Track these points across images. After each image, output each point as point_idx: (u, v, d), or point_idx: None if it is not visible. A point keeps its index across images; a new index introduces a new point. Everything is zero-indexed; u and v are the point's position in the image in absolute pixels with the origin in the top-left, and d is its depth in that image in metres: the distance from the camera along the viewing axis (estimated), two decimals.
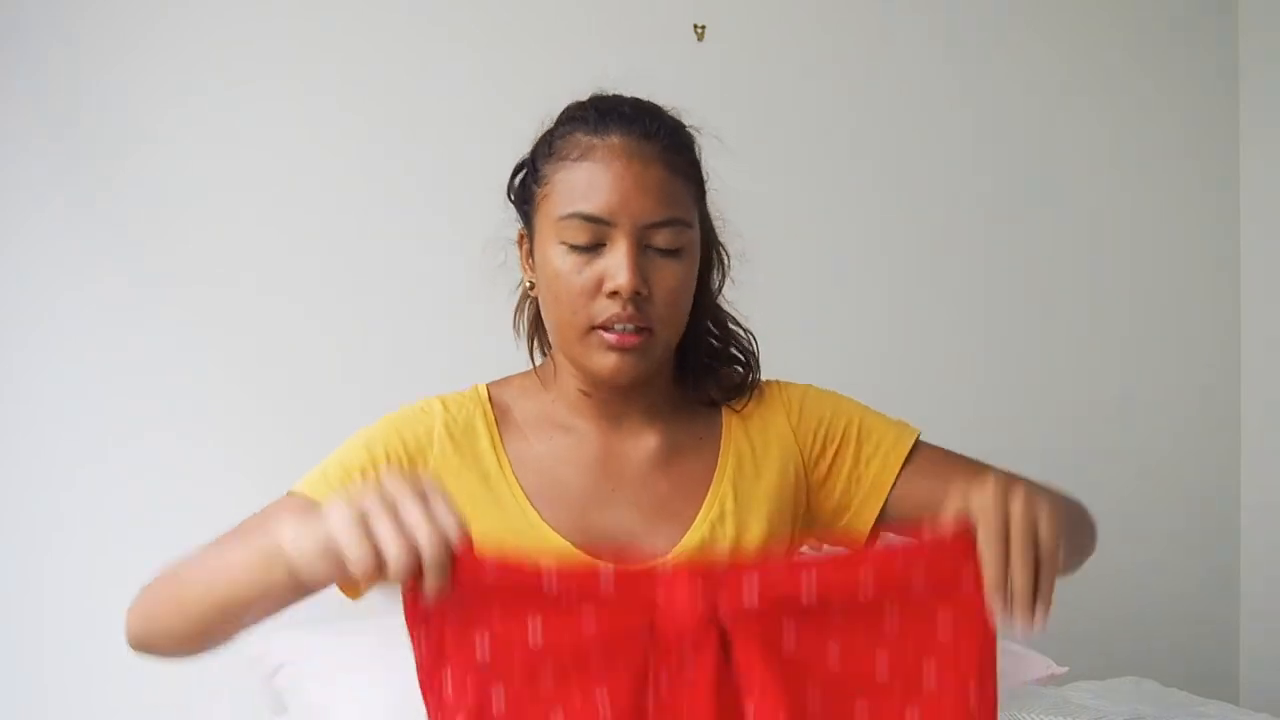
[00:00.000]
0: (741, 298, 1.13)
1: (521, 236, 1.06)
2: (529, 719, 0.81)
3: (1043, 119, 2.44)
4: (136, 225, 1.80)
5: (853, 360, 2.23)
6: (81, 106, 1.77)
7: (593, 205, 0.96)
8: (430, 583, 0.76)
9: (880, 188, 2.29)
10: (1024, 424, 2.38)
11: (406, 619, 0.80)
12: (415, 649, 0.81)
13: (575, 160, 0.98)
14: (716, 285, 1.10)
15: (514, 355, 1.10)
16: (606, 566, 0.82)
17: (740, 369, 1.11)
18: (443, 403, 1.06)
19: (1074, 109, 2.46)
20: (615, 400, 1.04)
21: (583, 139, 0.99)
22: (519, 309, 1.11)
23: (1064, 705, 1.68)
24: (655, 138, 0.99)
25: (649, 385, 1.05)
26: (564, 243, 0.97)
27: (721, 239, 1.10)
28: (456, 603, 0.80)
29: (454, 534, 0.76)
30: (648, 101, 1.03)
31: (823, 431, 1.09)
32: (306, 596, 0.83)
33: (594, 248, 0.97)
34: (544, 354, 1.10)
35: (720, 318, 1.11)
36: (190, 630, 0.89)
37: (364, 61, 1.93)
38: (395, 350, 1.91)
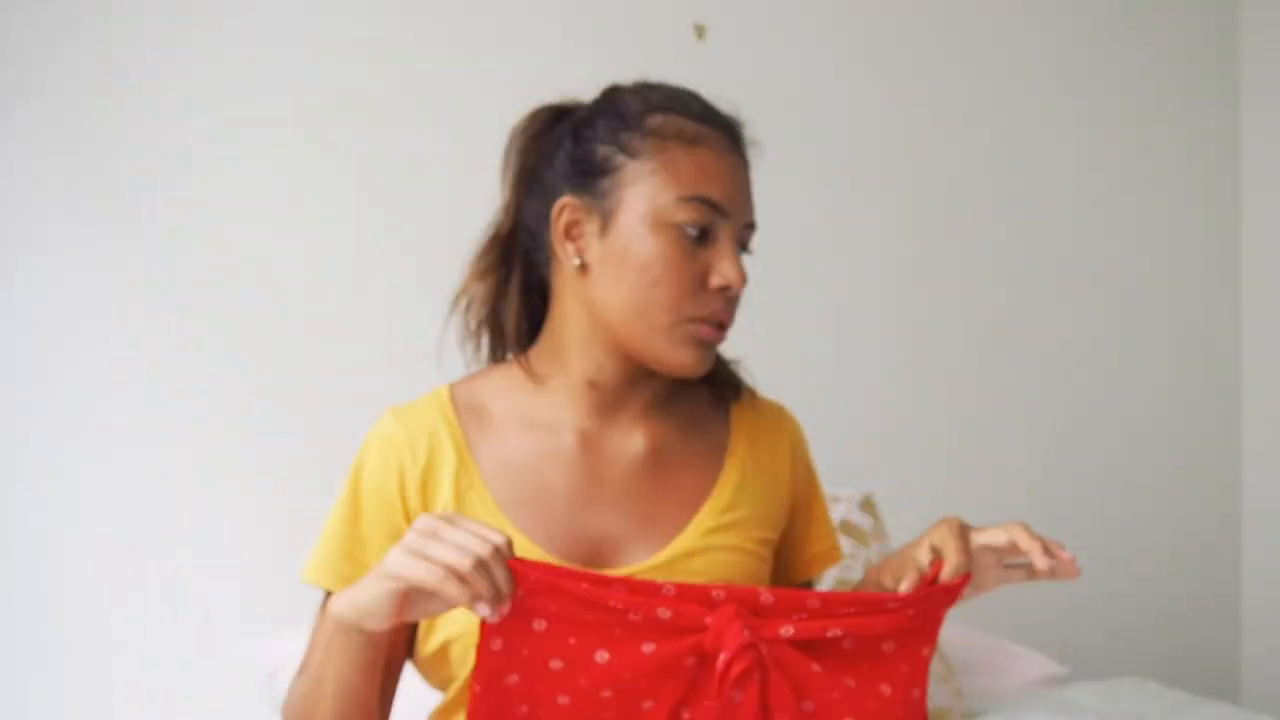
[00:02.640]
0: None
1: (563, 208, 0.97)
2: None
3: (1044, 119, 2.43)
4: (136, 225, 1.80)
5: (850, 363, 2.23)
6: (81, 107, 1.77)
7: (718, 192, 0.95)
8: (495, 578, 0.79)
9: (879, 189, 2.28)
10: (1025, 424, 2.38)
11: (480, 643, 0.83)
12: (481, 663, 0.84)
13: (690, 143, 0.95)
14: None
15: None
16: (668, 585, 0.84)
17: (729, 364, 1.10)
18: (396, 418, 1.00)
19: (1075, 110, 2.45)
20: (620, 393, 1.01)
21: (690, 125, 0.96)
22: (465, 307, 1.05)
23: (1065, 706, 1.67)
24: (741, 139, 1.01)
25: (654, 378, 1.02)
26: (679, 225, 0.93)
27: None
28: (520, 619, 0.83)
29: (499, 539, 0.80)
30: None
31: (802, 488, 1.10)
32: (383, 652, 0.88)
33: (702, 237, 0.94)
34: (499, 355, 1.05)
35: None
36: None
37: (366, 64, 1.92)
38: (397, 348, 1.90)
